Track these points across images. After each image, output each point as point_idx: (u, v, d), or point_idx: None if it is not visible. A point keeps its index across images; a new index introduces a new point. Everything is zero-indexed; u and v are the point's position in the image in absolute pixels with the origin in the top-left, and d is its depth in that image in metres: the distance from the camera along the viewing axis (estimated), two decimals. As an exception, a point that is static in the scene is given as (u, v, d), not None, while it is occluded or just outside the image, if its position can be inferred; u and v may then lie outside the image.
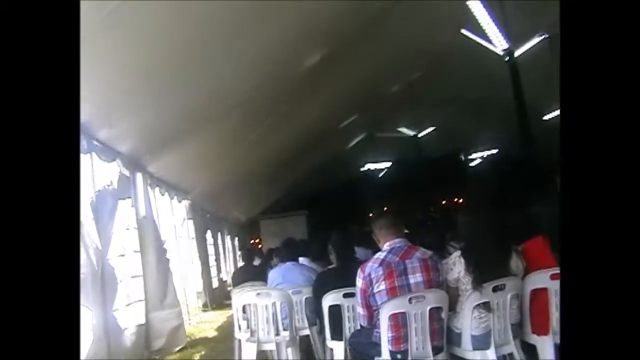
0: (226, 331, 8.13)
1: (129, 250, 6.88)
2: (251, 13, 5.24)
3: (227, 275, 15.14)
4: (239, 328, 5.15)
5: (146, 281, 7.05)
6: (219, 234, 15.58)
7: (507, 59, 10.95)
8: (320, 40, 7.34)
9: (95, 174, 5.74)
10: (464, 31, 10.09)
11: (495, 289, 3.54)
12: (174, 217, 10.27)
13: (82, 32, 2.10)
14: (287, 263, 5.54)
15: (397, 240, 3.63)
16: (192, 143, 8.27)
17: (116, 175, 6.55)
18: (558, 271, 3.49)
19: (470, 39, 10.25)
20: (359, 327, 4.06)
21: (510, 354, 3.68)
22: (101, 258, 5.48)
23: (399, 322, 3.44)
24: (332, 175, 21.74)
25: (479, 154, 20.40)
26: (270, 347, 4.77)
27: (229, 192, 13.78)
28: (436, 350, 3.50)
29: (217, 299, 12.93)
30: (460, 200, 25.01)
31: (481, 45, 10.45)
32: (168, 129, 7.02)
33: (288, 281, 5.30)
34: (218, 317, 10.66)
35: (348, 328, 4.36)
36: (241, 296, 5.03)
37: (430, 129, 18.59)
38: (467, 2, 8.86)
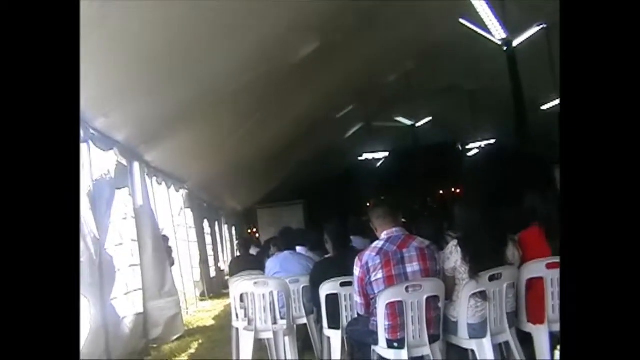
0: (224, 320, 8.17)
1: (127, 239, 6.89)
2: (246, 2, 5.21)
3: (224, 265, 15.16)
4: (237, 317, 5.17)
5: (144, 270, 7.06)
6: (216, 223, 15.58)
7: (505, 48, 10.91)
8: (317, 30, 7.32)
9: (93, 163, 5.73)
10: (461, 20, 10.04)
11: (491, 278, 3.56)
12: (171, 206, 10.28)
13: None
14: (285, 252, 5.56)
15: (394, 229, 3.64)
16: (189, 132, 8.26)
17: (113, 165, 6.55)
18: (554, 260, 3.52)
19: (468, 28, 10.20)
20: (356, 316, 4.08)
21: (506, 343, 3.72)
22: (99, 247, 5.48)
23: (396, 310, 3.46)
24: (329, 165, 21.72)
25: (477, 144, 20.35)
26: (267, 335, 4.79)
27: (226, 181, 13.77)
28: (433, 339, 3.52)
29: (215, 288, 12.96)
30: (458, 190, 25.01)
31: (479, 34, 10.40)
32: (164, 118, 7.00)
33: (285, 270, 5.31)
34: (215, 306, 10.70)
35: (345, 317, 4.38)
36: (239, 285, 5.04)
37: (428, 118, 18.56)
38: (466, -8, 8.82)
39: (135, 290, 6.84)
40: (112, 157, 6.47)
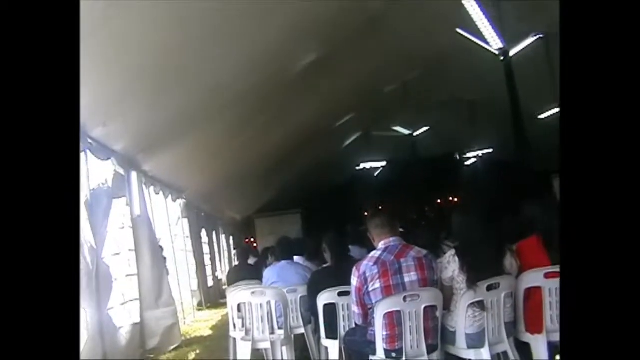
0: (221, 330, 8.13)
1: (124, 249, 6.88)
2: (246, 13, 5.23)
3: (222, 274, 15.12)
4: (234, 327, 5.15)
5: (141, 280, 7.04)
6: (214, 232, 15.55)
7: (502, 58, 10.96)
8: (315, 40, 7.35)
9: (90, 172, 5.72)
10: (459, 31, 10.10)
11: (489, 288, 3.55)
12: (168, 216, 10.26)
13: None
14: (282, 262, 5.54)
15: (392, 239, 3.64)
16: (187, 142, 8.27)
17: (111, 174, 6.54)
18: (552, 270, 3.52)
19: (466, 38, 10.26)
20: (353, 326, 4.06)
21: (505, 353, 3.70)
22: (96, 257, 5.47)
23: (394, 320, 3.45)
24: (328, 174, 21.74)
25: (474, 154, 20.41)
26: (265, 345, 4.77)
27: (224, 191, 13.76)
28: (431, 349, 3.51)
29: (212, 297, 12.92)
30: (455, 200, 25.05)
31: (477, 44, 10.46)
32: (162, 128, 7.01)
33: (283, 280, 5.30)
34: (213, 316, 10.65)
35: (343, 327, 4.36)
36: (236, 295, 5.03)
37: (426, 128, 18.61)
38: (463, 2, 8.87)
39: (132, 300, 6.82)
40: (110, 167, 6.46)
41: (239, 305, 4.96)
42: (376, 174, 22.59)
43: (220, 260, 16.12)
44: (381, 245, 3.64)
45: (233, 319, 5.15)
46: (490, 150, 19.53)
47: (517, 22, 9.94)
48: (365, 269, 3.57)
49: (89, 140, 5.60)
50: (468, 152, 20.69)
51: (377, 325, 3.49)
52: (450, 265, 3.66)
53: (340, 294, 4.33)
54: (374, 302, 3.53)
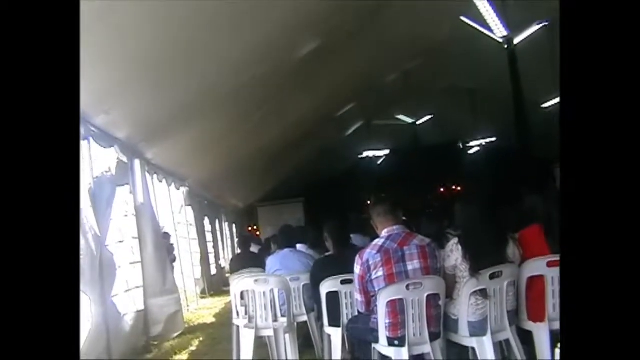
0: (224, 317, 8.18)
1: (128, 236, 6.90)
2: (248, 2, 5.21)
3: (225, 262, 15.18)
4: (237, 314, 5.18)
5: (144, 268, 7.07)
6: (217, 220, 15.59)
7: (506, 46, 10.90)
8: (317, 29, 7.32)
9: (93, 160, 5.73)
10: (462, 18, 10.04)
11: (492, 276, 3.56)
12: (171, 203, 10.29)
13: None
14: (285, 250, 5.56)
15: (395, 227, 3.65)
16: (190, 130, 8.26)
17: (114, 162, 6.55)
18: (554, 259, 3.52)
19: (469, 26, 10.20)
20: (356, 314, 4.08)
21: (507, 341, 3.72)
22: (100, 244, 5.49)
23: (397, 308, 3.46)
24: (330, 163, 21.73)
25: (477, 142, 20.35)
26: (268, 333, 4.80)
27: (227, 179, 13.77)
28: (433, 337, 3.53)
29: (215, 285, 12.97)
30: (458, 188, 25.02)
31: (480, 32, 10.40)
32: (165, 115, 7.01)
33: (286, 268, 5.32)
34: (216, 304, 10.71)
35: (346, 314, 4.38)
36: (239, 283, 5.04)
37: (429, 117, 18.56)
38: (466, -11, 8.83)
39: (135, 288, 6.86)
40: (113, 155, 6.47)
41: (242, 293, 4.98)
42: (379, 162, 22.56)
43: (223, 248, 16.18)
44: (384, 233, 3.65)
45: (236, 306, 5.18)
46: (493, 139, 19.46)
47: (522, 9, 9.87)
48: (368, 257, 3.57)
49: (92, 128, 5.61)
50: (471, 140, 20.62)
51: (380, 313, 3.50)
52: (453, 254, 3.66)
53: (343, 282, 4.34)
54: (376, 290, 3.54)
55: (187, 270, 10.91)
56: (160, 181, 9.00)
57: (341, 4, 6.84)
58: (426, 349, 3.50)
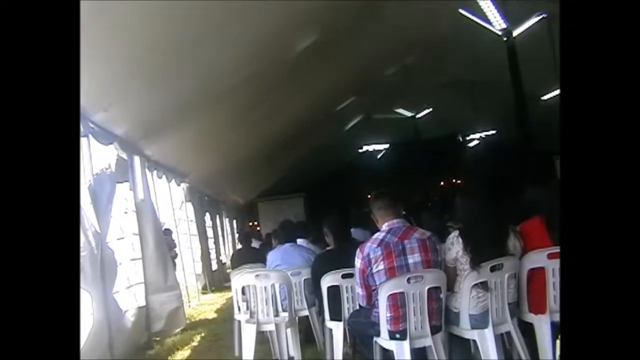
0: (225, 313, 8.19)
1: (128, 233, 6.90)
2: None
3: (226, 258, 15.20)
4: (239, 310, 5.18)
5: (145, 264, 7.08)
6: (218, 216, 15.60)
7: (505, 39, 10.88)
8: (316, 23, 7.30)
9: (93, 157, 5.72)
10: (461, 11, 10.01)
11: (493, 269, 3.56)
12: (172, 200, 10.29)
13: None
14: (286, 245, 5.57)
15: (395, 221, 3.64)
16: (189, 126, 8.25)
17: (114, 159, 6.54)
18: (555, 251, 3.52)
19: (468, 19, 10.17)
20: (357, 308, 4.09)
21: (508, 333, 3.72)
22: (100, 241, 5.49)
23: (398, 302, 3.47)
24: (330, 158, 21.71)
25: (477, 135, 20.34)
26: (269, 328, 4.80)
27: (227, 174, 13.78)
28: (434, 330, 3.53)
29: (216, 281, 13.01)
30: (458, 182, 25.03)
31: (479, 25, 10.37)
32: (165, 111, 7.00)
33: (286, 263, 5.33)
34: (217, 299, 10.73)
35: (347, 308, 4.39)
36: (240, 278, 5.04)
37: (428, 110, 18.54)
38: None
39: (137, 284, 6.86)
40: (113, 151, 6.47)
41: (243, 288, 4.98)
42: (379, 156, 22.56)
43: (224, 244, 16.20)
44: (385, 227, 3.65)
45: (237, 301, 5.18)
46: (493, 132, 19.45)
47: (521, 2, 9.84)
48: (369, 251, 3.57)
49: (91, 125, 5.59)
50: (471, 134, 20.62)
51: (381, 306, 3.51)
52: (454, 247, 3.66)
53: (344, 276, 4.35)
54: (377, 283, 3.54)
55: (188, 266, 10.93)
56: (160, 178, 8.99)
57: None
58: (427, 342, 3.51)
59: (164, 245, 7.87)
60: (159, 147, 8.04)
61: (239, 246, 10.10)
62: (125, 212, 6.97)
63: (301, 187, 21.13)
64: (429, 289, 3.48)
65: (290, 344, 4.77)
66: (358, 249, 3.68)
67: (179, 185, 10.79)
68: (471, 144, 21.52)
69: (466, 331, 3.65)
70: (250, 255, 7.52)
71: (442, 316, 3.62)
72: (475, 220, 3.72)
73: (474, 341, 3.66)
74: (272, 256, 5.53)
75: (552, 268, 3.60)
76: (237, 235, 17.56)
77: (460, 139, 21.91)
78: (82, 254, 5.07)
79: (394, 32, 9.65)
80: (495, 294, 3.60)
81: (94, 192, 5.61)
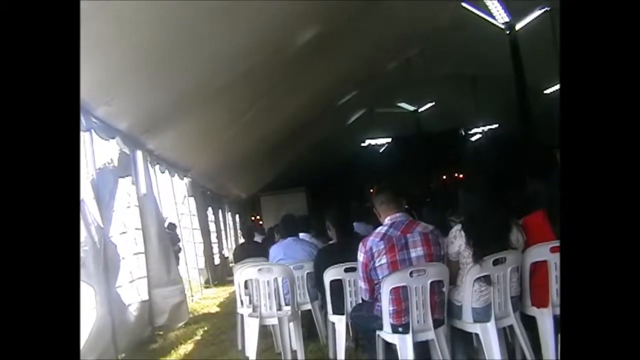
0: (228, 307, 8.21)
1: (131, 227, 6.91)
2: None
3: (228, 252, 15.23)
4: (241, 304, 5.19)
5: (148, 258, 7.09)
6: (220, 211, 15.62)
7: (507, 32, 10.85)
8: (318, 17, 7.28)
9: (95, 152, 5.73)
10: (464, 4, 9.98)
11: (495, 263, 3.56)
12: (174, 194, 10.30)
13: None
14: (288, 239, 5.56)
15: (398, 214, 3.64)
16: (192, 120, 8.25)
17: (116, 153, 6.55)
18: (558, 244, 3.51)
19: (471, 12, 10.15)
20: (360, 301, 4.09)
21: (511, 326, 3.72)
22: (103, 236, 5.50)
23: (400, 295, 3.47)
24: (332, 152, 21.74)
25: (480, 129, 20.33)
26: (272, 322, 4.81)
27: (230, 169, 13.78)
28: (437, 323, 3.53)
29: (219, 275, 13.03)
30: (461, 175, 25.02)
31: (481, 18, 10.35)
32: (167, 106, 6.99)
33: (289, 257, 5.33)
34: (220, 293, 10.75)
35: (349, 302, 4.39)
36: (243, 272, 5.05)
37: (431, 104, 18.52)
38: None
39: (140, 278, 6.88)
40: (115, 146, 6.47)
41: (246, 282, 4.99)
42: (381, 150, 22.57)
43: (226, 238, 16.23)
44: (387, 221, 3.65)
45: (240, 295, 5.19)
46: (496, 126, 19.44)
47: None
48: (372, 245, 3.57)
49: (94, 120, 5.60)
50: (473, 127, 20.61)
51: (384, 300, 3.51)
52: (457, 240, 3.66)
53: (347, 270, 4.35)
54: (380, 277, 3.54)
55: (191, 261, 10.95)
56: (163, 172, 9.00)
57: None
58: (430, 335, 3.51)
59: (167, 240, 7.89)
60: (161, 141, 8.04)
61: (241, 240, 10.11)
62: (128, 207, 6.97)
63: (303, 181, 21.15)
64: (431, 283, 3.48)
65: (292, 337, 4.78)
66: (360, 243, 3.67)
67: (181, 179, 10.81)
68: (474, 138, 21.50)
69: (469, 325, 3.65)
70: (253, 249, 7.53)
71: (444, 310, 3.62)
72: (478, 213, 3.71)
73: (477, 335, 3.67)
74: (274, 250, 5.54)
75: (555, 262, 3.59)
76: (239, 230, 17.61)
77: (463, 132, 21.91)
78: (85, 248, 5.08)
79: (396, 25, 9.62)
80: (497, 288, 3.60)
81: (97, 187, 5.62)
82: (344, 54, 9.69)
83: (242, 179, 17.07)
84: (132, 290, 6.56)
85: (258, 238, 9.39)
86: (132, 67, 5.41)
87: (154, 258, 7.20)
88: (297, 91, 10.40)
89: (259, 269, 4.82)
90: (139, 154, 7.31)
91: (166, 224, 9.10)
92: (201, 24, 5.35)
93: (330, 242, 4.99)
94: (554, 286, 3.63)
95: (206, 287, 11.59)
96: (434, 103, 18.36)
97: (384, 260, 3.52)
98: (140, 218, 7.13)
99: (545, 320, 3.66)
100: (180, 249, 10.63)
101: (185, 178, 11.10)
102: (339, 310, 4.46)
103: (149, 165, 7.72)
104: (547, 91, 13.38)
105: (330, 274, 4.44)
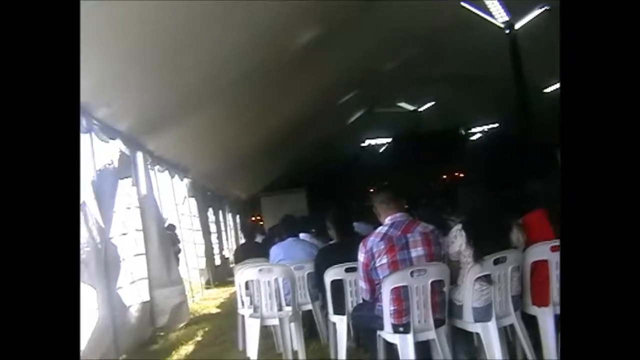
0: (229, 307, 8.20)
1: (131, 228, 6.91)
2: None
3: (229, 253, 15.23)
4: (242, 304, 5.19)
5: (149, 259, 7.09)
6: (221, 211, 15.62)
7: (507, 31, 10.85)
8: (317, 17, 7.28)
9: (95, 153, 5.73)
10: (463, 4, 9.98)
11: (496, 262, 3.56)
12: (175, 195, 10.30)
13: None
14: (289, 239, 5.56)
15: (398, 214, 3.64)
16: (191, 121, 8.25)
17: (116, 155, 6.55)
18: (558, 243, 3.51)
19: (470, 11, 10.15)
20: (361, 301, 4.09)
21: (511, 326, 3.73)
22: (104, 237, 5.50)
23: (401, 295, 3.47)
24: (333, 152, 21.72)
25: (480, 128, 20.35)
26: (273, 322, 4.81)
27: (230, 169, 13.78)
28: (438, 323, 3.53)
29: (220, 276, 13.02)
30: (461, 175, 25.01)
31: (481, 17, 10.35)
32: (167, 107, 6.99)
33: (289, 257, 5.33)
34: (221, 294, 10.75)
35: (350, 302, 4.39)
36: (243, 273, 5.05)
37: (430, 103, 18.51)
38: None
39: (140, 279, 6.88)
40: (115, 147, 6.47)
41: (246, 283, 4.99)
42: (381, 150, 22.56)
43: (227, 239, 16.22)
44: (387, 220, 3.65)
45: (241, 296, 5.19)
46: (496, 125, 19.45)
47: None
48: (372, 245, 3.58)
49: (94, 121, 5.59)
50: (473, 127, 20.62)
51: (385, 300, 3.51)
52: (457, 240, 3.67)
53: (348, 270, 4.35)
54: (381, 277, 3.55)
55: (192, 261, 10.95)
56: (163, 173, 9.00)
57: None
58: (431, 335, 3.51)
59: (167, 241, 7.89)
60: (161, 142, 8.05)
61: (242, 241, 10.11)
62: (128, 208, 6.97)
63: (303, 181, 21.13)
64: (432, 282, 3.48)
65: (293, 338, 4.78)
66: (361, 243, 3.68)
67: (181, 180, 10.80)
68: (473, 137, 21.50)
69: (469, 324, 3.65)
70: (254, 249, 7.52)
71: (445, 309, 3.62)
72: (478, 213, 3.72)
73: (478, 334, 3.68)
74: (275, 251, 5.53)
75: (555, 261, 3.59)
76: (240, 230, 17.59)
77: (463, 132, 21.90)
78: (85, 249, 5.09)
79: (396, 25, 9.61)
80: (498, 287, 3.60)
81: (97, 188, 5.62)
82: (344, 54, 9.69)
83: (242, 179, 17.06)
84: (133, 291, 6.56)
85: (258, 238, 9.38)
86: (133, 68, 5.40)
87: (155, 259, 7.20)
88: (297, 91, 10.40)
89: (260, 270, 4.82)
90: (140, 155, 7.30)
91: (166, 225, 9.10)
92: (201, 24, 5.36)
93: (331, 242, 4.99)
94: (555, 285, 3.63)
95: (207, 288, 11.59)
96: (434, 102, 18.35)
97: (384, 260, 3.52)
98: (141, 219, 7.13)
99: (546, 319, 3.66)
100: (180, 249, 10.63)
101: (185, 179, 11.10)
102: (339, 310, 4.46)
103: (149, 166, 7.72)
104: (547, 90, 13.37)
105: (331, 274, 4.44)
